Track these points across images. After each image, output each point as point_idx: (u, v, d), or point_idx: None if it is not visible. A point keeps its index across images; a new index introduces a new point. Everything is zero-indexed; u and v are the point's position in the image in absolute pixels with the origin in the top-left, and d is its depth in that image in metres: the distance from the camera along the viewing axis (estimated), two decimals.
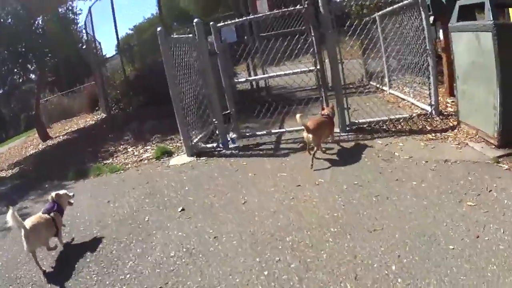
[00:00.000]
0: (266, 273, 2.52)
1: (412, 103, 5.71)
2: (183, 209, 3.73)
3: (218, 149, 5.24)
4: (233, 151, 5.14)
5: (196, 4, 19.75)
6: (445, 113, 4.95)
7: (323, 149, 4.43)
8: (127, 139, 7.68)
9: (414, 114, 4.98)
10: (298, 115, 4.15)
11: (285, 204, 3.43)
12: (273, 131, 5.34)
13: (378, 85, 7.54)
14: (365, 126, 4.98)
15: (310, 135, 4.12)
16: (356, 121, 5.02)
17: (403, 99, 6.16)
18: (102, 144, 7.79)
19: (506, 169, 3.31)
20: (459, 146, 3.96)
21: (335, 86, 4.95)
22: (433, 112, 4.86)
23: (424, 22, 4.66)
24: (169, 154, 5.72)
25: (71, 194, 3.61)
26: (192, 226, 3.37)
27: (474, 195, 2.98)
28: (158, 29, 4.68)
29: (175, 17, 17.74)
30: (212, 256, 2.85)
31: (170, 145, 6.37)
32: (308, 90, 7.56)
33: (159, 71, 9.30)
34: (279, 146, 5.10)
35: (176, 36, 5.30)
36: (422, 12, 4.67)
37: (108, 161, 6.43)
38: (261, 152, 4.98)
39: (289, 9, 4.80)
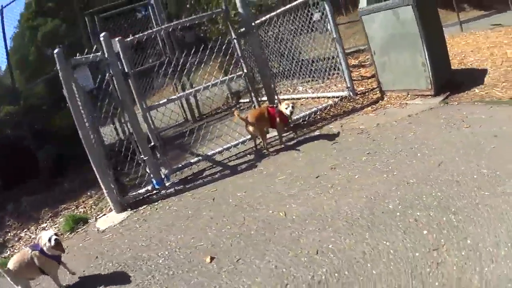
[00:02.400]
0: None
1: (324, 96, 5.68)
2: None
3: (155, 191, 4.13)
4: (175, 188, 4.09)
5: None
6: (359, 92, 5.32)
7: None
8: (9, 225, 5.60)
9: (337, 100, 5.15)
10: (235, 112, 4.02)
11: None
12: (209, 153, 4.48)
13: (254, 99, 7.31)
14: (300, 121, 4.81)
15: (251, 127, 4.02)
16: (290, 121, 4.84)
17: (308, 98, 6.06)
18: None
19: (457, 103, 3.81)
20: (404, 106, 4.25)
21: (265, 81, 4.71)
22: (351, 93, 5.07)
23: (328, 13, 4.89)
24: (84, 221, 4.17)
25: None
26: None
27: (460, 125, 3.36)
28: (56, 50, 3.49)
29: None
30: None
31: (80, 209, 4.86)
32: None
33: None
34: (225, 165, 4.38)
35: (79, 57, 4.06)
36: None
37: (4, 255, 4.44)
38: (207, 179, 4.13)
39: (203, 14, 4.38)
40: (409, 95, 4.37)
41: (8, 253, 4.43)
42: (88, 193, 5.33)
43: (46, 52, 9.02)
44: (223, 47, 4.38)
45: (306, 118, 4.74)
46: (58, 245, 2.71)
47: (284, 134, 4.38)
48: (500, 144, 2.76)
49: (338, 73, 5.05)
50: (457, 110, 3.69)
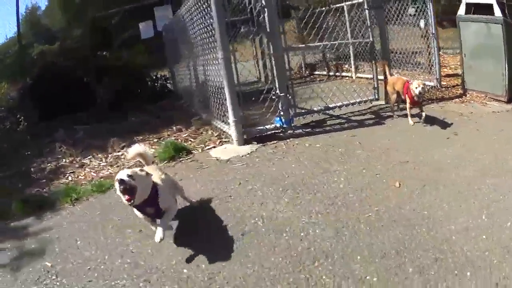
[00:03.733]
0: None
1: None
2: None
3: (281, 130, 4.10)
4: (303, 130, 4.14)
5: None
6: (443, 86, 5.73)
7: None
8: (62, 151, 5.20)
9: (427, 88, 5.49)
10: (384, 63, 4.46)
11: None
12: (330, 105, 4.58)
13: (331, 73, 7.70)
14: None
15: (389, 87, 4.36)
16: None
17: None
18: (17, 164, 5.13)
19: None
20: (485, 104, 4.69)
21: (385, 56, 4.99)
22: (438, 85, 5.59)
23: (430, 9, 5.35)
24: (188, 151, 4.05)
25: None
26: None
27: None
28: None
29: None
30: None
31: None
32: None
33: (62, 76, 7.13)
34: (348, 119, 4.59)
35: None
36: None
37: (64, 181, 4.13)
38: (336, 127, 4.25)
39: None
40: (486, 97, 4.92)
41: (70, 178, 4.20)
42: (172, 128, 5.19)
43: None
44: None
45: None
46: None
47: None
48: None
49: (430, 65, 5.48)
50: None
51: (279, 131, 4.06)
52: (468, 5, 4.93)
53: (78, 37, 7.23)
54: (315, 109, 4.44)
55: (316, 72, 7.94)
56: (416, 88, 3.90)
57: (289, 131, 4.05)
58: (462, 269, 1.80)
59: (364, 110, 4.72)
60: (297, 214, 2.48)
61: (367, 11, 4.57)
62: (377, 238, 2.11)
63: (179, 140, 4.60)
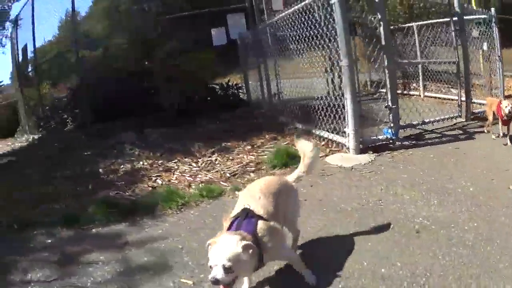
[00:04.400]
0: None
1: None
2: None
3: (390, 141, 4.18)
4: (409, 141, 4.24)
5: None
6: None
7: None
8: (133, 153, 5.20)
9: None
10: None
11: None
12: (426, 120, 4.75)
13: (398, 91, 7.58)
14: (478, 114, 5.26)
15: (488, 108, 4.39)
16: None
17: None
18: (77, 165, 4.98)
19: None
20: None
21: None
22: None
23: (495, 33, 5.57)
24: (292, 158, 3.92)
25: None
26: None
27: None
28: None
29: None
30: None
31: (258, 148, 4.67)
32: None
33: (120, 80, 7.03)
34: (440, 133, 4.69)
35: None
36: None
37: (152, 184, 4.02)
38: (435, 140, 4.40)
39: None
40: None
41: (160, 182, 4.08)
42: (263, 136, 5.09)
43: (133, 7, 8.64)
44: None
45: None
46: None
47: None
48: None
49: (490, 87, 5.62)
50: None
51: (389, 142, 4.16)
52: None
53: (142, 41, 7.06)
54: (414, 123, 4.63)
55: (382, 90, 7.92)
56: (506, 107, 4.02)
57: (397, 143, 4.17)
58: None
59: (451, 126, 4.94)
60: (452, 213, 2.63)
61: (453, 32, 4.63)
62: None
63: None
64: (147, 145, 5.38)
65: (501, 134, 4.15)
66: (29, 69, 9.82)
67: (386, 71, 3.99)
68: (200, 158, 4.61)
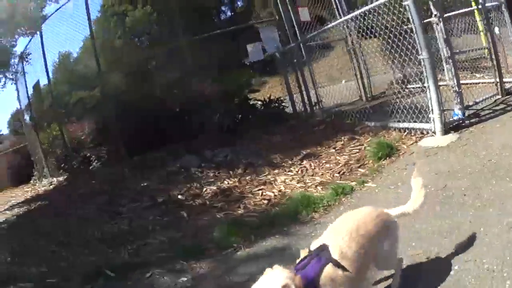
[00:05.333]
0: None
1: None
2: None
3: (461, 121, 4.61)
4: (475, 119, 4.74)
5: None
6: None
7: None
8: (208, 175, 5.28)
9: None
10: None
11: None
12: (477, 100, 5.28)
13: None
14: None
15: None
16: None
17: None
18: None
19: None
20: None
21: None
22: None
23: None
24: (391, 147, 4.40)
25: None
26: None
27: None
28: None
29: None
30: None
31: (343, 149, 4.95)
32: None
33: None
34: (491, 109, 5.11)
35: None
36: None
37: (261, 199, 4.19)
38: (492, 115, 4.83)
39: None
40: None
41: (273, 194, 4.23)
42: (340, 139, 5.39)
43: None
44: None
45: None
46: None
47: None
48: None
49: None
50: None
51: (460, 122, 4.64)
52: None
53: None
54: (470, 104, 5.19)
55: (409, 86, 8.42)
56: None
57: (466, 121, 4.65)
58: None
59: (493, 103, 5.38)
60: None
61: (483, 20, 5.68)
62: None
63: (355, 146, 4.83)
64: (219, 165, 5.42)
65: None
66: (45, 107, 9.46)
67: (450, 61, 4.44)
68: (291, 167, 4.76)
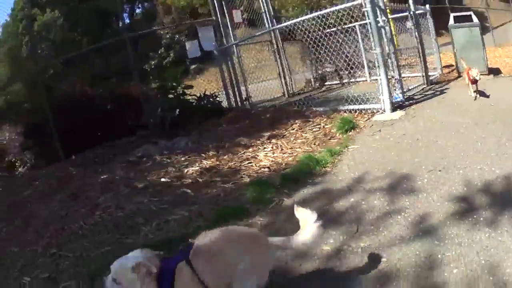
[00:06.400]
0: None
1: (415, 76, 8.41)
2: None
3: (401, 102, 5.99)
4: (412, 101, 6.15)
5: None
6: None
7: None
8: (173, 161, 5.29)
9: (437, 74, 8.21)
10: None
11: None
12: (411, 87, 6.81)
13: (344, 80, 9.48)
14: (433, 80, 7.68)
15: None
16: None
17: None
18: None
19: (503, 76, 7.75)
20: (482, 76, 7.61)
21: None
22: (441, 72, 8.43)
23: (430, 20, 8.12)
24: (352, 126, 5.32)
25: None
26: None
27: None
28: None
29: None
30: None
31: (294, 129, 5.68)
32: None
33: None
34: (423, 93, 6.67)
35: None
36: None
37: (265, 163, 4.58)
38: (426, 97, 6.38)
39: None
40: None
41: (268, 163, 4.68)
42: (294, 122, 6.13)
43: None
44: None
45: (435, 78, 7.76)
46: None
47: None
48: None
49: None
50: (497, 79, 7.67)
51: (400, 103, 6.07)
52: (454, 17, 8.29)
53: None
54: (404, 90, 6.48)
55: (327, 83, 9.59)
56: (476, 75, 6.13)
57: (406, 102, 6.15)
58: None
59: (422, 90, 7.09)
60: (462, 119, 4.80)
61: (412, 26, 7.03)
62: None
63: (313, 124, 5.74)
64: (185, 151, 5.51)
65: (471, 90, 6.33)
66: None
67: (393, 56, 5.91)
68: (263, 145, 5.37)
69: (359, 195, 3.30)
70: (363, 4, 5.56)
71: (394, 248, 2.43)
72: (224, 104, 8.80)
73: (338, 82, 9.64)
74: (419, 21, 7.72)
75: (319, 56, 7.57)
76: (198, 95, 8.28)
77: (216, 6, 8.69)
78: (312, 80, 10.28)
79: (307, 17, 6.78)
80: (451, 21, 8.38)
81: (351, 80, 9.44)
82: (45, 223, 4.11)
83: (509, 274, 2.04)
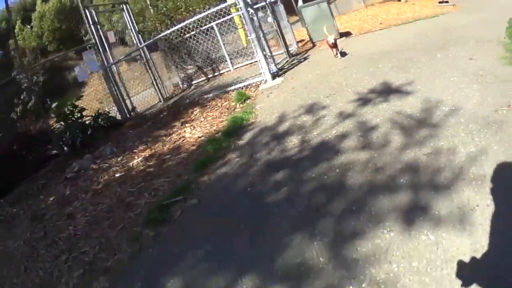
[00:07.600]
0: None
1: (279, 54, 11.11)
2: None
3: (276, 71, 8.06)
4: (285, 70, 8.25)
5: None
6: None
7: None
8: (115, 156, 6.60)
9: (294, 48, 10.43)
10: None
11: None
12: (278, 61, 8.71)
13: (210, 75, 11.37)
14: (293, 51, 10.01)
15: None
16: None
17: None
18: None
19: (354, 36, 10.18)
20: (338, 40, 10.26)
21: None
22: (296, 45, 10.86)
23: (282, 11, 10.22)
24: (247, 97, 7.09)
25: None
26: None
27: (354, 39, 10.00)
28: None
29: None
30: None
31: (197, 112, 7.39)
32: None
33: None
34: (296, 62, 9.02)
35: None
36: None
37: (193, 140, 6.19)
38: (295, 64, 8.88)
39: None
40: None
41: (197, 137, 6.34)
42: (193, 111, 8.01)
43: None
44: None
45: (294, 51, 10.04)
46: None
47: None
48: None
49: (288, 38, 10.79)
50: (349, 38, 10.77)
51: (277, 72, 8.47)
52: None
53: None
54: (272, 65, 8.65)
55: (194, 82, 11.84)
56: (331, 40, 8.91)
57: (280, 72, 8.67)
58: None
59: (288, 61, 9.60)
60: (332, 70, 6.93)
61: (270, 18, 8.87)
62: None
63: (220, 103, 7.40)
64: (117, 155, 6.94)
65: (334, 53, 8.97)
66: None
67: (263, 39, 7.54)
68: (183, 129, 6.93)
69: (291, 121, 5.18)
70: (237, 2, 7.79)
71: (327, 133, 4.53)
72: (118, 117, 10.33)
73: (205, 78, 11.51)
74: (274, 8, 10.67)
75: (179, 60, 9.15)
76: (93, 115, 9.64)
77: (94, 31, 10.13)
78: (179, 82, 12.12)
79: (173, 29, 8.93)
80: (300, 3, 11.56)
81: (215, 74, 11.52)
82: None
83: None
